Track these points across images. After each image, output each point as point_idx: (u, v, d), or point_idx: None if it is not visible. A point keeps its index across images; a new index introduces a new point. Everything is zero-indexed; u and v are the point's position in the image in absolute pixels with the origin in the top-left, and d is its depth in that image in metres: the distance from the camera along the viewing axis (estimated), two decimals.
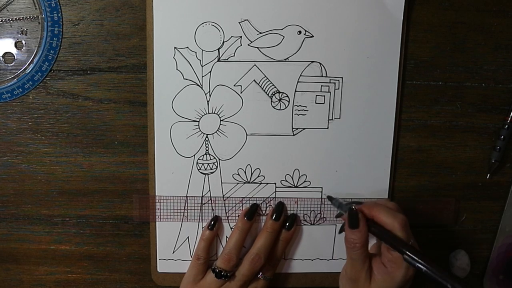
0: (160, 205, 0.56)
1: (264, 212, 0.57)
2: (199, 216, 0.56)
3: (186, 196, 0.56)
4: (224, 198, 0.56)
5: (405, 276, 0.48)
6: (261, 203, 0.56)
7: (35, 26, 0.52)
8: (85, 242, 0.57)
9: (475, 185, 0.59)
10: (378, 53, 0.54)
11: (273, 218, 0.55)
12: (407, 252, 0.47)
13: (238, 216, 0.56)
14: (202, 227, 0.57)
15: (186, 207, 0.56)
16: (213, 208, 0.56)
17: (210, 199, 0.56)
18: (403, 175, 0.58)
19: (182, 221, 0.56)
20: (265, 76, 0.54)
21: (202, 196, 0.56)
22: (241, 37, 0.53)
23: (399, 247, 0.48)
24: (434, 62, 0.55)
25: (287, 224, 0.56)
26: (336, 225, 0.58)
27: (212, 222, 0.55)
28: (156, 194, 0.55)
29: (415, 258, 0.47)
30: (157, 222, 0.56)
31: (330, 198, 0.56)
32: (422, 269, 0.46)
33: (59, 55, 0.53)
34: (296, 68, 0.54)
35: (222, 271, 0.53)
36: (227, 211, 0.57)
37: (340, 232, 0.56)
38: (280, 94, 0.54)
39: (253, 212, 0.55)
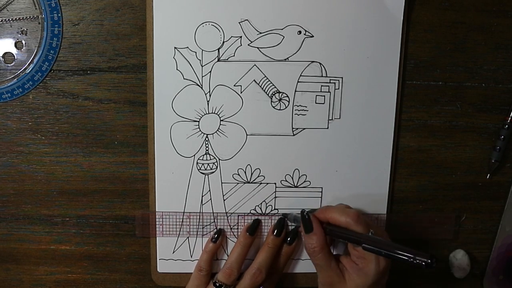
0: (162, 217, 0.56)
1: (264, 211, 0.57)
2: (199, 216, 0.56)
3: (186, 196, 0.56)
4: (224, 199, 0.56)
5: (377, 269, 0.49)
6: (261, 203, 0.56)
7: (35, 26, 0.52)
8: (85, 242, 0.57)
9: (475, 185, 0.59)
10: (378, 53, 0.54)
11: (274, 233, 0.55)
12: (364, 242, 0.48)
13: (240, 231, 0.56)
14: (202, 227, 0.57)
15: (185, 208, 0.56)
16: (213, 208, 0.56)
17: (210, 199, 0.56)
18: (403, 175, 0.58)
19: (182, 221, 0.56)
20: (265, 76, 0.54)
21: (202, 196, 0.56)
22: (241, 37, 0.53)
23: (356, 239, 0.48)
24: (434, 62, 0.55)
25: (289, 239, 0.56)
26: None
27: (216, 235, 0.56)
28: (156, 194, 0.55)
29: (373, 244, 0.47)
30: (157, 222, 0.56)
31: (284, 215, 0.56)
32: (382, 253, 0.47)
33: (59, 55, 0.53)
34: (296, 68, 0.54)
35: (223, 285, 0.54)
36: (227, 211, 0.57)
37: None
38: (280, 94, 0.54)
39: (255, 228, 0.56)
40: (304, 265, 0.58)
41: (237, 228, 0.57)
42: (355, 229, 0.49)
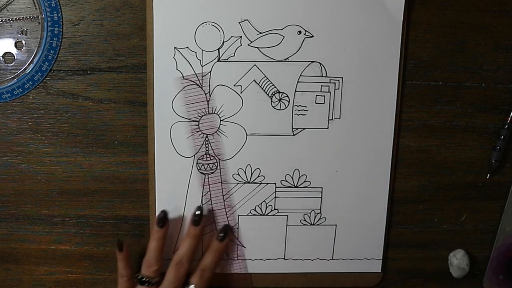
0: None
1: (264, 211, 0.57)
2: None
3: (186, 196, 0.56)
4: (224, 199, 0.56)
5: None
6: (261, 203, 0.56)
7: (35, 26, 0.52)
8: (85, 242, 0.57)
9: (475, 185, 0.59)
10: (378, 53, 0.54)
11: (193, 223, 0.54)
12: None
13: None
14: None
15: (185, 207, 0.56)
16: (213, 208, 0.56)
17: (210, 199, 0.56)
18: (403, 175, 0.58)
19: (182, 220, 0.56)
20: (265, 76, 0.54)
21: (202, 196, 0.56)
22: (241, 37, 0.53)
23: None
24: (434, 62, 0.55)
25: (220, 235, 0.55)
26: (336, 225, 0.58)
27: (120, 241, 0.54)
28: (156, 194, 0.55)
29: None
30: None
31: None
32: None
33: (59, 55, 0.53)
34: (296, 68, 0.54)
35: (144, 277, 0.53)
36: (227, 210, 0.57)
37: None
38: (280, 94, 0.54)
39: (163, 219, 0.54)
40: (304, 265, 0.58)
41: (237, 228, 0.57)
42: None
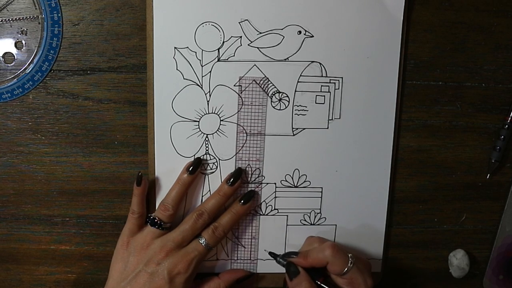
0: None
1: (264, 211, 0.57)
2: None
3: (186, 196, 0.56)
4: None
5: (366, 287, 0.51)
6: (261, 203, 0.56)
7: (35, 26, 0.52)
8: (85, 242, 0.57)
9: (475, 185, 0.59)
10: (378, 53, 0.54)
11: (229, 183, 0.54)
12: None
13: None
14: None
15: (185, 206, 0.56)
16: None
17: None
18: (403, 175, 0.58)
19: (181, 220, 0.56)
20: (265, 76, 0.54)
21: (202, 196, 0.56)
22: (241, 37, 0.53)
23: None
24: (434, 62, 0.55)
25: (243, 199, 0.55)
26: (336, 225, 0.58)
27: (140, 174, 0.54)
28: (156, 194, 0.55)
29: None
30: None
31: (272, 255, 0.56)
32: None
33: (59, 55, 0.53)
34: (296, 68, 0.54)
35: (156, 218, 0.53)
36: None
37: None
38: (280, 94, 0.54)
39: (196, 166, 0.54)
40: None
41: (237, 228, 0.57)
42: (335, 261, 0.50)
